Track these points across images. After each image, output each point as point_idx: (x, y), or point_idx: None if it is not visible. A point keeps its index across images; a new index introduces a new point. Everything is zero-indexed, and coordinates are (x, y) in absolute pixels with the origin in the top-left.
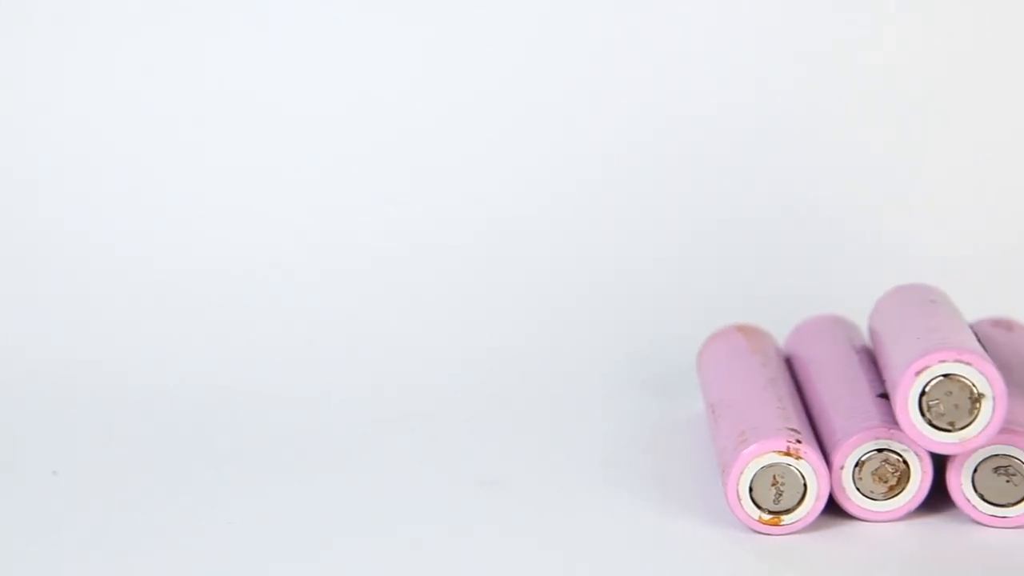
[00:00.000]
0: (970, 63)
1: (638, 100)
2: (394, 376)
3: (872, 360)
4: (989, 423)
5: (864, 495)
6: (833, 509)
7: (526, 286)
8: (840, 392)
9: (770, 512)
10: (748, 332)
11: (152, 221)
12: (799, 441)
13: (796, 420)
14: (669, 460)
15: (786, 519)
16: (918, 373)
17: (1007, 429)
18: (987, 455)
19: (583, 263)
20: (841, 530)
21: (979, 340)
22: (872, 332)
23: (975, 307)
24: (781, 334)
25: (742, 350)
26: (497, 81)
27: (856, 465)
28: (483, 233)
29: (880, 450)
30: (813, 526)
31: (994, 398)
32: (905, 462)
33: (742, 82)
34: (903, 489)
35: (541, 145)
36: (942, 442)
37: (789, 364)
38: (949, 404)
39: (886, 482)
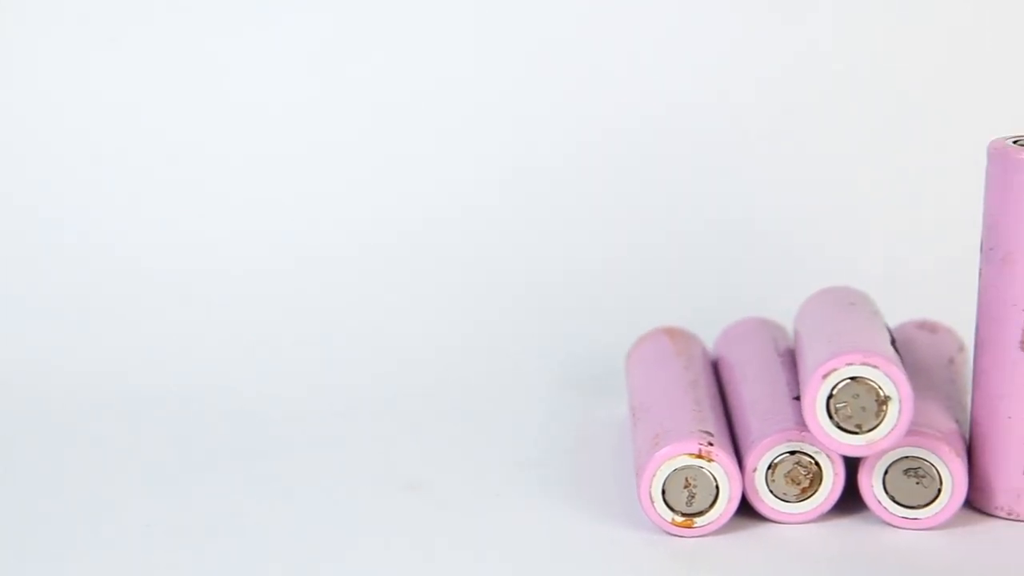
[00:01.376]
0: (899, 72)
1: (580, 108)
2: (324, 376)
3: (795, 362)
4: (896, 426)
5: (777, 497)
6: (748, 511)
7: (461, 286)
8: (758, 394)
9: (683, 514)
10: (674, 335)
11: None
12: (711, 444)
13: (712, 423)
14: (593, 462)
15: (699, 521)
16: (825, 376)
17: (917, 431)
18: (898, 457)
19: (519, 264)
20: (755, 532)
21: (894, 343)
22: (795, 334)
23: (906, 310)
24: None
25: (666, 353)
26: (438, 83)
27: (769, 467)
28: (417, 233)
29: (792, 452)
30: (727, 528)
31: (900, 401)
32: (817, 464)
33: (681, 92)
34: (816, 491)
35: (480, 147)
36: (849, 444)
37: (717, 367)
38: (856, 407)
39: (799, 484)
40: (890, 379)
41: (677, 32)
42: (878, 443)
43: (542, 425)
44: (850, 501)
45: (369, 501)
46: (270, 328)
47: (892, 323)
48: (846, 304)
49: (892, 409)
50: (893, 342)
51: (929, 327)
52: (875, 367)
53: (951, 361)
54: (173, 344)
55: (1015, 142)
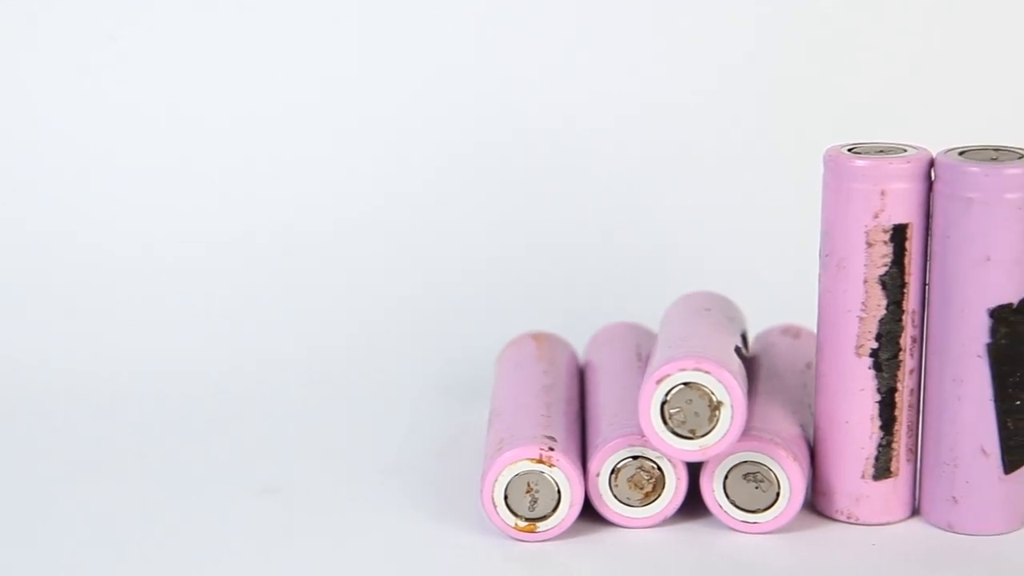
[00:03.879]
0: (753, 82)
1: (456, 118)
2: (187, 373)
3: None
4: (728, 431)
5: (621, 501)
6: (593, 515)
7: (334, 287)
8: (611, 398)
9: (526, 519)
10: (541, 339)
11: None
12: (552, 449)
13: (562, 428)
14: (454, 467)
15: (541, 526)
16: (659, 381)
17: (756, 437)
18: (737, 462)
19: (395, 266)
20: (599, 536)
21: (741, 349)
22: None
23: (777, 315)
24: None
25: (529, 357)
26: (317, 92)
27: (612, 472)
28: (291, 234)
29: (635, 457)
30: (570, 532)
31: (732, 406)
32: (660, 469)
33: (553, 104)
34: (659, 496)
35: (357, 153)
36: (684, 449)
37: (584, 372)
38: (690, 412)
39: (642, 489)
40: (722, 385)
41: (542, 45)
42: (711, 448)
43: (409, 429)
44: (694, 506)
45: (223, 503)
46: (140, 326)
47: (759, 328)
48: (701, 310)
49: (725, 415)
50: (740, 348)
51: (792, 332)
52: (707, 372)
53: (808, 366)
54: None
55: (850, 150)
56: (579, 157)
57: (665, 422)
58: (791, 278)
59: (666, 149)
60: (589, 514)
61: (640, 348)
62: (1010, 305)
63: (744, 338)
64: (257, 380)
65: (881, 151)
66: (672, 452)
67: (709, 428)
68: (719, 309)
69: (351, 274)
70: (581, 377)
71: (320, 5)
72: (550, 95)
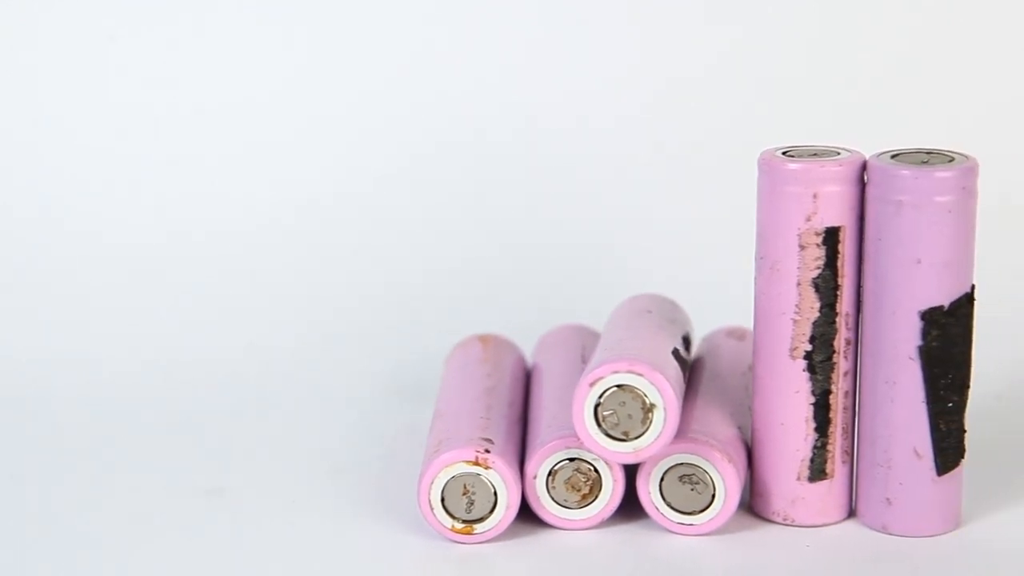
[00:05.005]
0: (697, 86)
1: (407, 120)
2: (133, 370)
3: None
4: (661, 433)
5: (558, 503)
6: (531, 517)
7: (283, 287)
8: (552, 400)
9: (463, 521)
10: (488, 341)
11: None
12: (487, 451)
13: (501, 430)
14: (398, 469)
15: (478, 528)
16: (592, 384)
17: (691, 439)
18: (672, 464)
19: (346, 267)
20: (537, 538)
21: (679, 351)
22: None
23: (725, 317)
24: None
25: (474, 359)
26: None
27: (549, 474)
28: (242, 234)
29: (572, 459)
30: (507, 534)
31: (665, 408)
32: (596, 471)
33: (502, 106)
34: (596, 498)
35: (310, 153)
36: (617, 452)
37: (531, 374)
38: (623, 414)
39: (579, 491)
40: (655, 387)
41: (491, 50)
42: (645, 450)
43: (357, 431)
44: (631, 507)
45: (164, 504)
46: (79, 325)
47: (706, 330)
48: (643, 312)
49: (658, 417)
50: (679, 350)
51: (737, 334)
52: (640, 375)
53: (751, 368)
54: None
55: (784, 153)
56: (533, 160)
57: (599, 424)
58: (742, 280)
59: (623, 151)
60: (527, 516)
61: (586, 350)
62: (941, 307)
63: (686, 340)
64: (205, 380)
65: (815, 154)
66: (606, 454)
67: (642, 430)
68: (661, 311)
69: (301, 274)
70: (529, 379)
71: (291, 2)
72: (503, 99)
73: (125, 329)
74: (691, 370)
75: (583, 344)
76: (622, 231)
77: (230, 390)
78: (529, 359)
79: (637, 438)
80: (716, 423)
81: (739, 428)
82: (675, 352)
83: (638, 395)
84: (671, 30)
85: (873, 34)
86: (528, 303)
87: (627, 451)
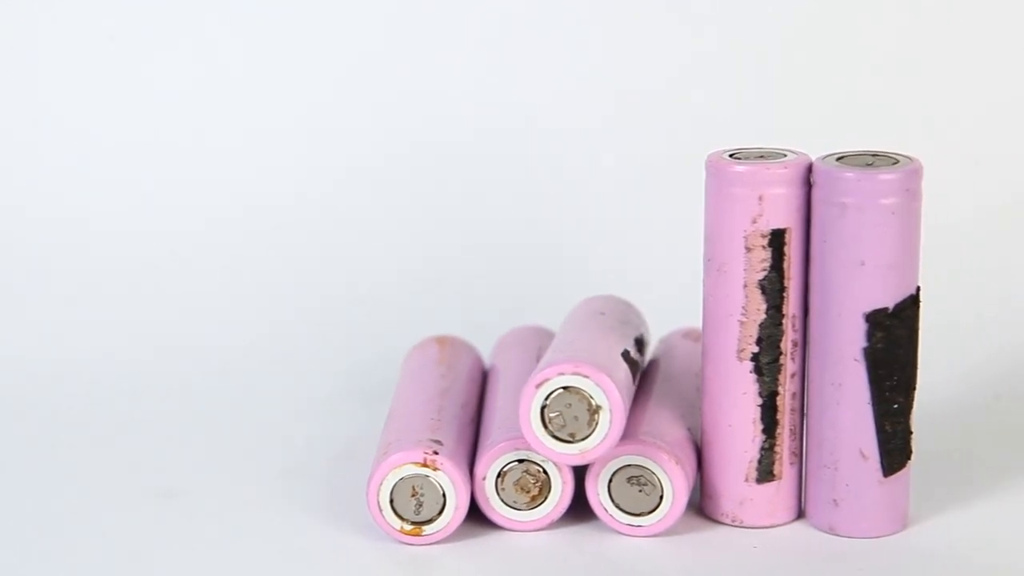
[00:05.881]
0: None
1: (367, 123)
2: (91, 375)
3: None
4: (608, 434)
5: (507, 505)
6: (481, 518)
7: (242, 287)
8: (504, 402)
9: (412, 523)
10: (444, 343)
11: None
12: (436, 453)
13: (452, 431)
14: (353, 471)
15: (427, 529)
16: (538, 385)
17: (639, 440)
18: (621, 465)
19: (312, 268)
20: (486, 539)
21: (630, 353)
22: None
23: (685, 319)
24: None
25: (430, 361)
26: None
27: (498, 475)
28: (203, 233)
29: (521, 460)
30: (457, 535)
31: (611, 410)
32: (546, 472)
33: (460, 112)
34: (545, 499)
35: (270, 155)
36: (563, 453)
37: (488, 375)
38: (569, 416)
39: (528, 492)
40: (601, 388)
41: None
42: (591, 452)
43: (315, 432)
44: (580, 509)
45: (114, 506)
46: (32, 324)
47: (665, 331)
48: (596, 314)
49: (604, 418)
50: (629, 352)
51: (693, 335)
52: (586, 377)
53: None
54: None
55: (732, 155)
56: (495, 163)
57: (545, 426)
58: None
59: (584, 152)
60: (477, 517)
61: (542, 351)
62: (885, 309)
63: (639, 342)
64: (162, 380)
65: (762, 156)
66: (552, 456)
67: (588, 432)
68: (614, 313)
69: (261, 274)
70: (486, 380)
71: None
72: (458, 103)
73: (76, 330)
74: (646, 371)
75: (539, 345)
76: (584, 233)
77: (188, 390)
78: (488, 360)
79: (583, 439)
80: (666, 425)
81: (690, 429)
82: (625, 354)
83: (584, 397)
84: (623, 37)
85: (823, 37)
86: (490, 304)
87: (573, 453)
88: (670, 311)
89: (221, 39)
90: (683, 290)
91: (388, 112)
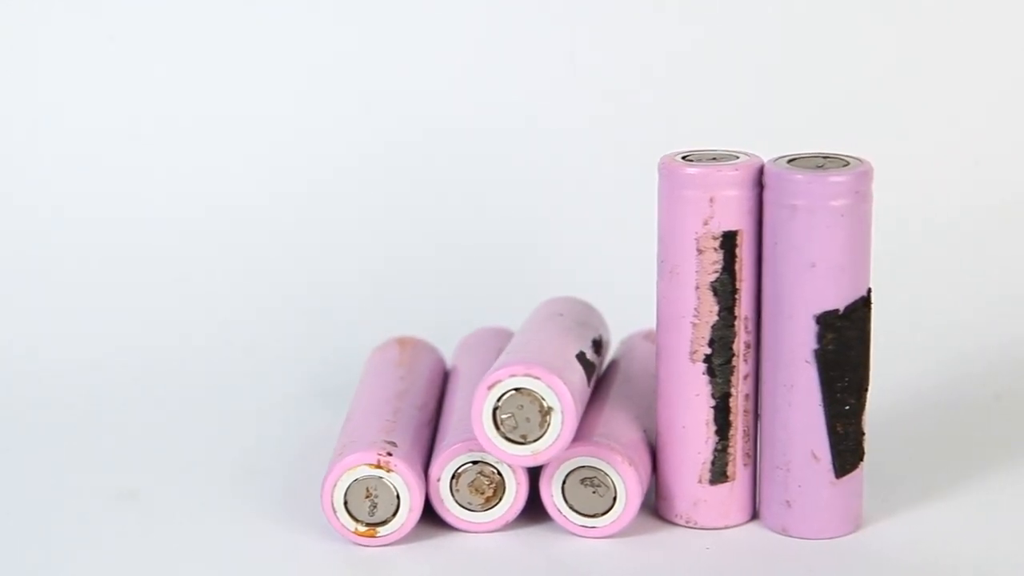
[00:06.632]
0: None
1: (337, 119)
2: (49, 373)
3: None
4: (559, 436)
5: (462, 506)
6: (436, 519)
7: (209, 286)
8: (460, 403)
9: (366, 524)
10: (406, 344)
11: None
12: (390, 454)
13: (408, 432)
14: (314, 472)
15: (381, 531)
16: (490, 387)
17: (593, 442)
18: (574, 467)
19: (277, 268)
20: (441, 541)
21: (585, 355)
22: None
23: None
24: None
25: (390, 362)
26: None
27: (453, 477)
28: (170, 234)
29: (475, 462)
30: (411, 537)
31: (562, 412)
32: (500, 474)
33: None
34: (499, 500)
35: (232, 150)
36: (516, 455)
37: (449, 376)
38: (521, 417)
39: (483, 493)
40: (552, 390)
41: (403, 50)
42: (543, 453)
43: (275, 433)
44: (535, 510)
45: (74, 506)
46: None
47: (625, 334)
48: (554, 315)
49: (555, 420)
50: (584, 354)
51: (653, 337)
52: (537, 378)
53: None
54: None
55: (684, 157)
56: (460, 164)
57: (497, 427)
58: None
59: (546, 153)
60: (432, 518)
61: (501, 353)
62: (836, 311)
63: (597, 343)
64: (122, 380)
65: (714, 158)
66: (505, 457)
67: (540, 433)
68: (573, 314)
69: (224, 274)
70: (446, 382)
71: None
72: (421, 104)
73: (38, 328)
74: (605, 372)
75: (500, 347)
76: (551, 234)
77: (148, 390)
78: (450, 361)
79: (535, 441)
80: (621, 426)
81: (646, 431)
82: (580, 355)
83: (535, 398)
84: (575, 32)
85: (779, 39)
86: (454, 305)
87: (526, 454)
88: (633, 313)
89: (220, 39)
90: (646, 292)
91: (348, 114)
